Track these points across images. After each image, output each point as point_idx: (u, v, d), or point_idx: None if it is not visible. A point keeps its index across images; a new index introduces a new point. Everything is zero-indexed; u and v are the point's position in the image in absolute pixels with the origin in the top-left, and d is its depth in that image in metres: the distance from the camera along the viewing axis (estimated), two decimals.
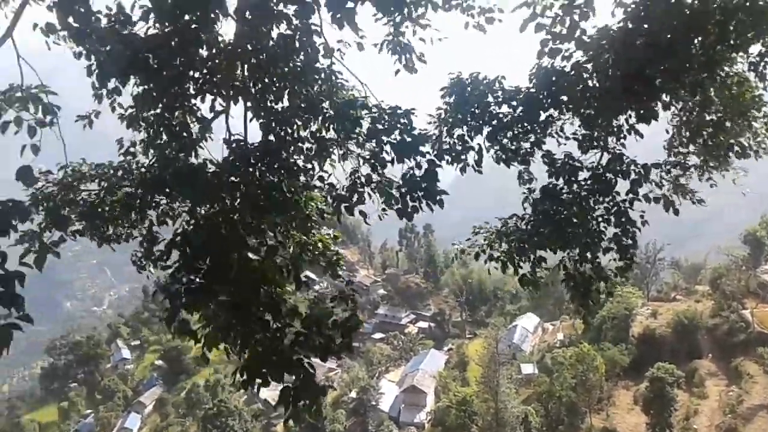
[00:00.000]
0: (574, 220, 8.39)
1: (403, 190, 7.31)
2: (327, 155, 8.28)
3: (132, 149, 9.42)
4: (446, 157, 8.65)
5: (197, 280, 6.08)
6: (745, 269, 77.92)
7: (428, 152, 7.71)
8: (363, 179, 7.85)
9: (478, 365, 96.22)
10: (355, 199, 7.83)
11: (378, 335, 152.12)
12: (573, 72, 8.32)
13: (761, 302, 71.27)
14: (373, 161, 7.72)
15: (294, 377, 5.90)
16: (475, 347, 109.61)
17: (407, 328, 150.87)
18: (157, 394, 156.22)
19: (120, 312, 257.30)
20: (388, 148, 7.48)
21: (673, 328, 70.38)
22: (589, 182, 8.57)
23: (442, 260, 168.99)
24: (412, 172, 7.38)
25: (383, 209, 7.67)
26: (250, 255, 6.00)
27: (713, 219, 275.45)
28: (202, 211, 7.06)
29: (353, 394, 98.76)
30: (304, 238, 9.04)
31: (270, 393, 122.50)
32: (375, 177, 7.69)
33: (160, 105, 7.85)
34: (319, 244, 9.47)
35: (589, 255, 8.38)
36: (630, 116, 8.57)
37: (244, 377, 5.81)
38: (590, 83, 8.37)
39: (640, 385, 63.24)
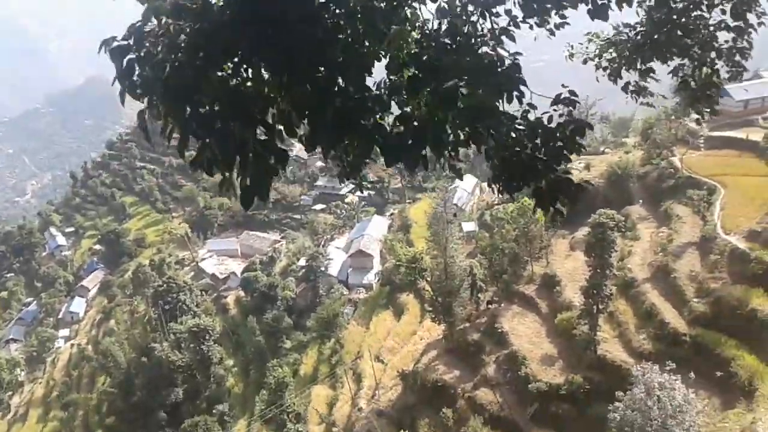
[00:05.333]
0: (690, 27, 8.40)
1: None
2: None
3: None
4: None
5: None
6: (674, 118, 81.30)
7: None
8: None
9: (422, 227, 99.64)
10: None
11: (319, 206, 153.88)
12: None
13: (689, 148, 75.34)
14: None
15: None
16: (416, 211, 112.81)
17: (347, 198, 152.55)
18: (100, 278, 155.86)
19: (49, 200, 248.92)
20: None
21: (606, 178, 73.84)
22: None
23: None
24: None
25: None
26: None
27: None
28: None
29: (302, 262, 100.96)
30: None
31: (216, 268, 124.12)
32: None
33: None
34: None
35: (708, 60, 8.41)
36: None
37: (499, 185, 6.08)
38: None
39: (576, 233, 67.29)
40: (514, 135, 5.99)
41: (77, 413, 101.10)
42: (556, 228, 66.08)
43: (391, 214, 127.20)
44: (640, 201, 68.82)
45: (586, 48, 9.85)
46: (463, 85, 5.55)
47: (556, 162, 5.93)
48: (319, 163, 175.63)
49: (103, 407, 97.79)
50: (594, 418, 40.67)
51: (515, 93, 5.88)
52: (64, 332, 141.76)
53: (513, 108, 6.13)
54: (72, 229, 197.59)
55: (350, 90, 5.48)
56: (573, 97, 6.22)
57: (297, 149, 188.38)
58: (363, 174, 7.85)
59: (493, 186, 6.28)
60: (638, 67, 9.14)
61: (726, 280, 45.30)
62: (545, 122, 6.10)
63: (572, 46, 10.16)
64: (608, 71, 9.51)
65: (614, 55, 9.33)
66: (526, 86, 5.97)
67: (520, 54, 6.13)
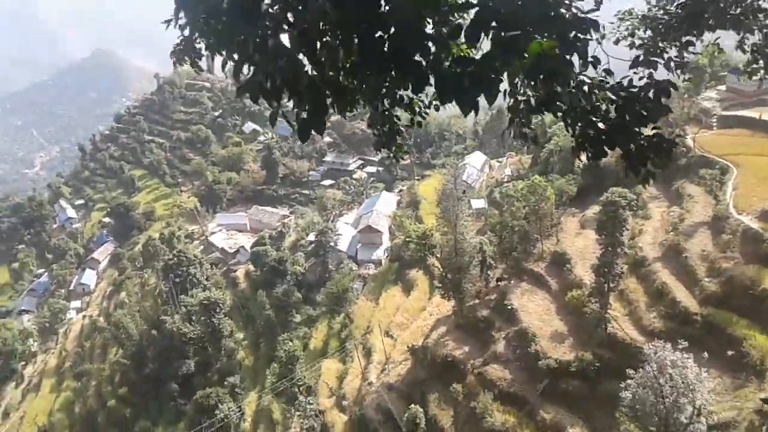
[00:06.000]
0: None
1: None
2: None
3: None
4: None
5: None
6: (687, 97, 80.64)
7: None
8: None
9: (431, 203, 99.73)
10: None
11: (327, 182, 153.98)
12: None
13: (702, 127, 74.80)
14: None
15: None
16: (425, 187, 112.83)
17: (356, 174, 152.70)
18: (110, 250, 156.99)
19: (58, 173, 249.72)
20: None
21: (617, 157, 73.36)
22: None
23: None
24: None
25: None
26: None
27: None
28: None
29: (311, 237, 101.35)
30: None
31: (226, 242, 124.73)
32: None
33: None
34: None
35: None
36: None
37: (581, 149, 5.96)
38: None
39: (586, 211, 67.26)
40: (593, 99, 5.88)
41: (90, 383, 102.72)
42: (563, 208, 66.01)
43: (400, 191, 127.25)
44: (651, 180, 68.58)
45: (617, 27, 9.81)
46: (527, 35, 5.22)
47: (642, 125, 5.94)
48: (327, 139, 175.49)
49: (116, 378, 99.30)
50: (604, 395, 41.17)
51: (590, 56, 5.64)
52: (76, 304, 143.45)
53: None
54: (81, 201, 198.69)
55: (404, 23, 5.15)
56: (653, 58, 6.16)
57: None
58: (399, 143, 7.78)
59: (577, 153, 6.24)
60: (677, 42, 9.07)
61: (738, 259, 45.35)
62: (625, 85, 6.00)
63: (603, 27, 10.13)
64: (644, 49, 9.43)
65: (650, 33, 9.27)
66: (601, 46, 5.82)
67: (596, 9, 5.93)
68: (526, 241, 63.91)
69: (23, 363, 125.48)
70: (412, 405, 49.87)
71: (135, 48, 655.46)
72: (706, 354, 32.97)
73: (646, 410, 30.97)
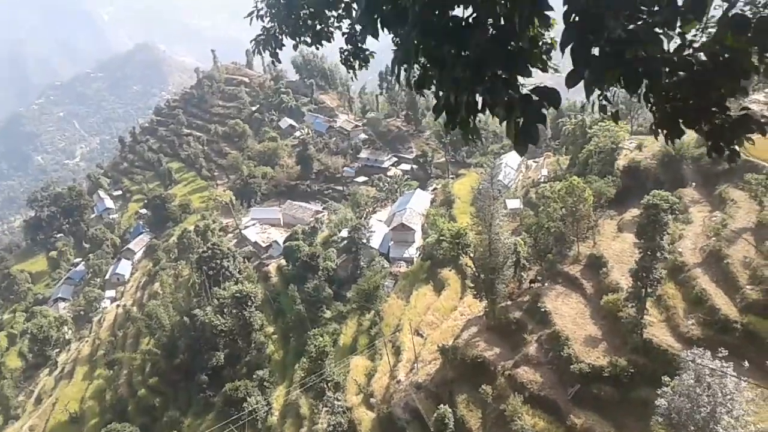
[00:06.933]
0: None
1: None
2: None
3: None
4: None
5: None
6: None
7: None
8: None
9: (465, 202, 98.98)
10: None
11: (361, 179, 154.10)
12: None
13: None
14: None
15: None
16: (460, 186, 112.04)
17: (390, 171, 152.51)
18: (146, 241, 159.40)
19: (98, 163, 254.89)
20: None
21: (659, 159, 71.89)
22: None
23: (423, 102, 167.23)
24: None
25: None
26: None
27: None
28: None
29: (344, 234, 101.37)
30: None
31: (259, 236, 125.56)
32: None
33: None
34: None
35: None
36: None
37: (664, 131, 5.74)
38: None
39: (624, 214, 65.92)
40: (670, 72, 5.50)
41: (121, 372, 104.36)
42: (600, 210, 64.74)
43: (434, 189, 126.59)
44: (693, 184, 66.88)
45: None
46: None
47: (725, 100, 5.54)
48: (363, 136, 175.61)
49: (147, 367, 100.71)
50: (637, 402, 40.25)
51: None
52: (110, 293, 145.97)
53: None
54: (119, 192, 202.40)
55: None
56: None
57: (341, 121, 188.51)
58: (474, 125, 7.63)
59: (655, 133, 5.90)
60: None
61: None
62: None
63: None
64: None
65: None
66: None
67: None
68: (561, 243, 62.94)
69: (57, 350, 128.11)
70: (441, 405, 49.40)
71: (176, 43, 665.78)
72: (746, 363, 31.88)
73: (681, 419, 30.08)
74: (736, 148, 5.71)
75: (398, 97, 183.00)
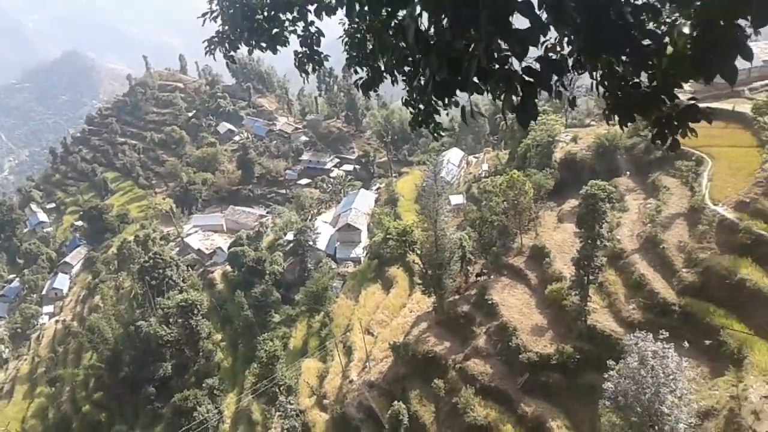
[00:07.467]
0: None
1: None
2: None
3: None
4: None
5: None
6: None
7: None
8: None
9: (409, 200, 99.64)
10: None
11: (304, 181, 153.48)
12: None
13: None
14: None
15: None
16: (403, 184, 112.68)
17: (333, 172, 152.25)
18: (83, 254, 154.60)
19: (28, 176, 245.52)
20: None
21: (594, 150, 73.94)
22: None
23: (362, 103, 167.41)
24: None
25: None
26: None
27: None
28: None
29: (289, 237, 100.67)
30: None
31: (202, 243, 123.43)
32: None
33: None
34: None
35: None
36: None
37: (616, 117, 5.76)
38: None
39: (563, 205, 67.57)
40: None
41: (64, 389, 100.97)
42: (540, 202, 66.15)
43: (378, 188, 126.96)
44: (627, 172, 69.04)
45: None
46: None
47: (673, 91, 5.70)
48: (303, 138, 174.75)
49: (90, 383, 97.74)
50: (585, 387, 41.40)
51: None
52: (48, 309, 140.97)
53: None
54: (53, 205, 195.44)
55: None
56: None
57: (280, 124, 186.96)
58: (438, 122, 7.64)
59: (607, 118, 6.02)
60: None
61: (714, 250, 45.69)
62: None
63: None
64: None
65: None
66: None
67: None
68: (505, 236, 64.11)
69: None
70: (394, 402, 49.67)
71: (106, 50, 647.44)
72: (686, 343, 33.15)
73: (628, 401, 31.00)
74: (678, 137, 5.91)
75: (337, 99, 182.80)
